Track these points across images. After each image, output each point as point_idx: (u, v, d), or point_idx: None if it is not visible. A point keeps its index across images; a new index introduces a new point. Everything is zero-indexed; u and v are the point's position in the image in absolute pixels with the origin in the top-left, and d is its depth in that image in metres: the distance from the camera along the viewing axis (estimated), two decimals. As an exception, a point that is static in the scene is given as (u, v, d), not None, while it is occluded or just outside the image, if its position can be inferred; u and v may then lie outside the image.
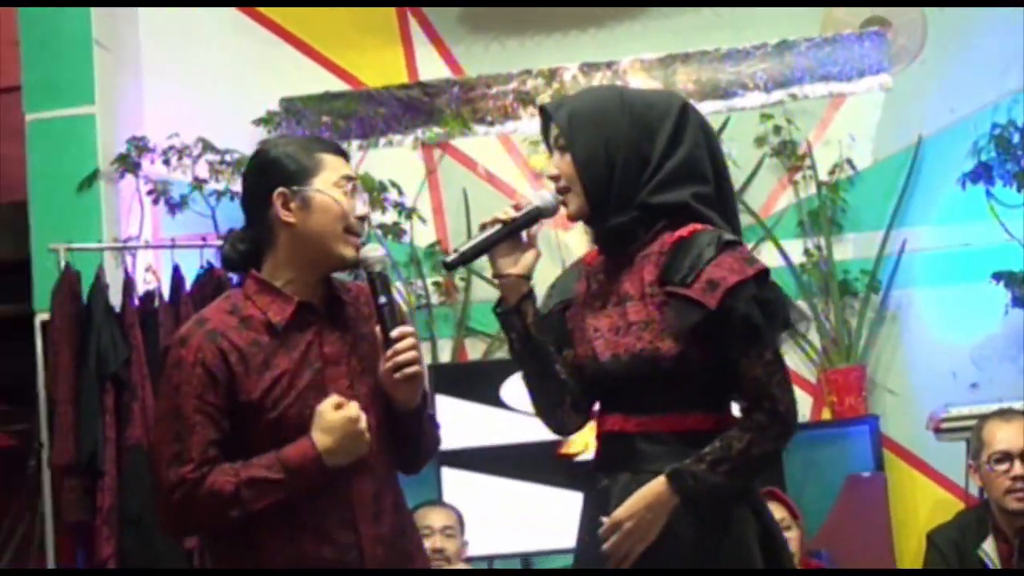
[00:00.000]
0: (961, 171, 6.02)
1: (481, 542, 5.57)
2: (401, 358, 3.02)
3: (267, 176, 3.06)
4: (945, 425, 5.62)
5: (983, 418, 4.94)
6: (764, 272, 2.99)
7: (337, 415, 2.96)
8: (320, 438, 2.94)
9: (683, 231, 3.01)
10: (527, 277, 3.14)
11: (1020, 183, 5.87)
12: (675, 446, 2.97)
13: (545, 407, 3.19)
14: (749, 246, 6.09)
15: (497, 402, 5.92)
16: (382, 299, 3.05)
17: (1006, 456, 4.73)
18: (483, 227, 3.14)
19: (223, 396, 2.98)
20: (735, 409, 3.06)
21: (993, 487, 4.75)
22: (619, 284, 3.07)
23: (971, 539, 4.79)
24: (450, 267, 3.17)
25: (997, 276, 5.88)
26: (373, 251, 3.10)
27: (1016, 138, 5.93)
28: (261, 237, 3.08)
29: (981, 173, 5.97)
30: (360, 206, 3.10)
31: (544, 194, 3.15)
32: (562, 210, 3.13)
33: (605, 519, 2.97)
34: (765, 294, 2.97)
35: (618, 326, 3.03)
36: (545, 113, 3.17)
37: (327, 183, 3.04)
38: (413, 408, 3.10)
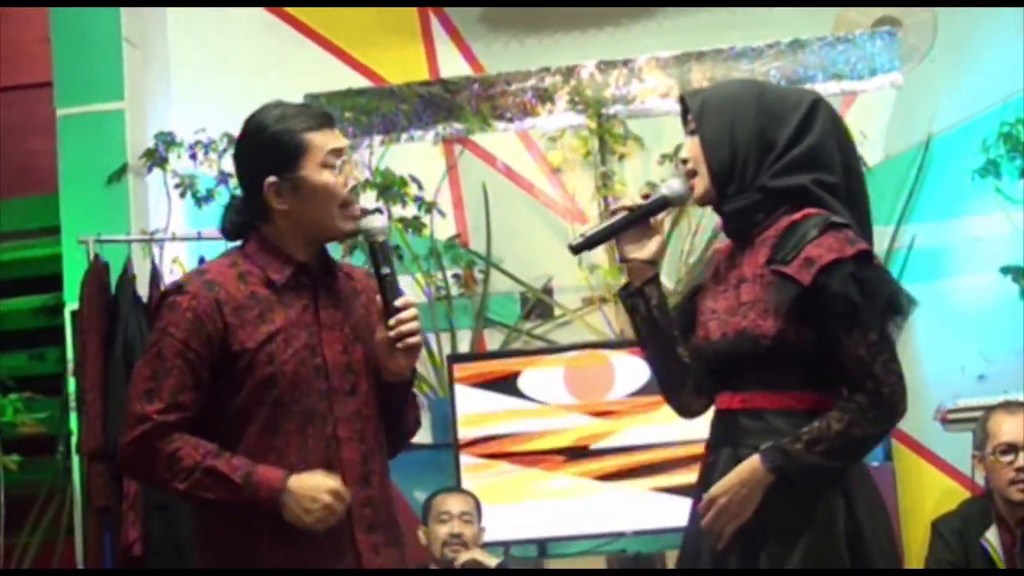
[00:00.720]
0: (970, 168, 6.10)
1: (497, 528, 5.64)
2: (405, 328, 3.04)
3: (255, 163, 3.07)
4: (952, 416, 5.66)
5: (989, 409, 4.98)
6: (864, 252, 3.01)
7: (323, 480, 2.95)
8: (292, 482, 2.94)
9: (797, 215, 3.06)
10: (653, 262, 3.19)
11: (1026, 183, 5.98)
12: (774, 423, 3.02)
13: (668, 389, 3.25)
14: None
15: (514, 391, 6.03)
16: (384, 269, 3.07)
17: (1011, 448, 4.78)
18: (612, 213, 3.21)
19: (208, 346, 2.98)
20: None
21: (997, 478, 4.79)
22: (740, 267, 3.13)
23: (974, 528, 4.83)
24: (576, 251, 3.21)
25: (1005, 270, 5.98)
26: (375, 221, 3.10)
27: (1024, 135, 6.04)
28: (257, 215, 3.10)
29: (990, 169, 6.06)
30: (352, 176, 3.08)
31: (672, 183, 3.20)
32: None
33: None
34: (864, 273, 2.98)
35: (732, 307, 3.09)
36: (684, 101, 3.22)
37: (314, 165, 3.03)
38: (403, 380, 3.12)
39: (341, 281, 3.16)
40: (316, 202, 3.04)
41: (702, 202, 3.20)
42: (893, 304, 3.03)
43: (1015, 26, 6.23)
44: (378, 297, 3.08)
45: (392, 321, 3.05)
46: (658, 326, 3.19)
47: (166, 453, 2.96)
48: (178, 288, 3.06)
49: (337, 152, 3.06)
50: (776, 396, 3.04)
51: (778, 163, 3.08)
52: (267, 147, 3.06)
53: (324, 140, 3.06)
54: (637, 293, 3.20)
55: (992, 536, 4.81)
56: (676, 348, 3.20)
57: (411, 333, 3.05)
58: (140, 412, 2.98)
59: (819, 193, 3.08)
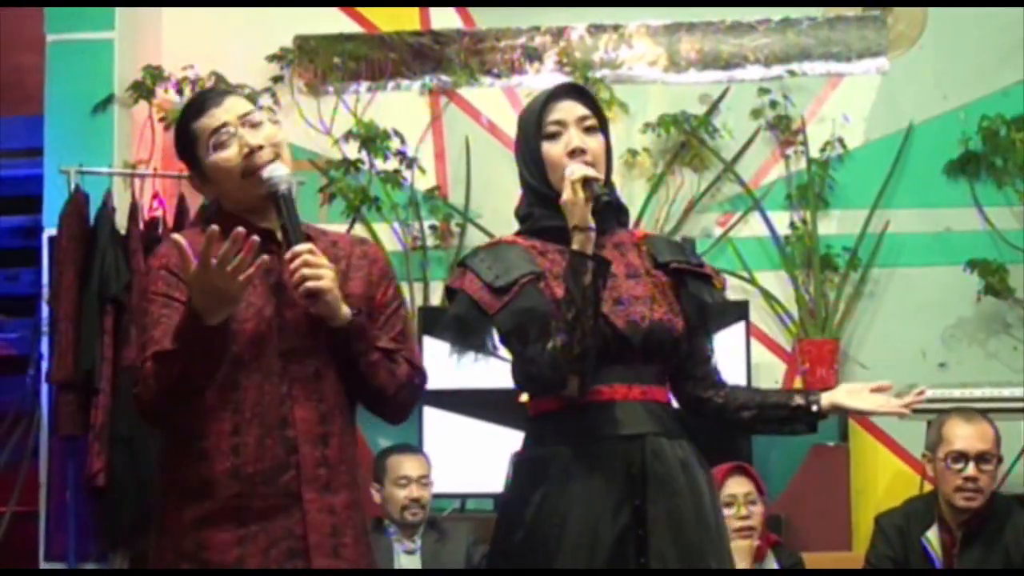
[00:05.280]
0: (948, 159, 6.18)
1: (455, 481, 5.74)
2: (295, 276, 3.02)
3: (180, 156, 3.19)
4: (909, 406, 5.73)
5: (946, 413, 5.01)
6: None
7: (192, 273, 2.89)
8: (194, 296, 2.90)
9: (638, 230, 3.43)
10: None
11: (999, 181, 6.03)
12: (661, 415, 3.17)
13: (587, 372, 3.11)
14: (737, 215, 6.32)
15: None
16: (281, 219, 3.06)
17: (962, 456, 4.83)
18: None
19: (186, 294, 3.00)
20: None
21: (945, 482, 4.86)
22: (622, 260, 3.22)
23: (916, 526, 4.90)
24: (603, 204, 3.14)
25: (971, 264, 6.05)
26: (277, 170, 3.07)
27: (1003, 132, 6.07)
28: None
29: (966, 163, 6.14)
30: (248, 139, 3.07)
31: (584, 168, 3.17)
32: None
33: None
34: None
35: (646, 296, 3.21)
36: (579, 91, 3.24)
37: (206, 150, 3.08)
38: (341, 327, 3.07)
39: (319, 245, 3.12)
40: (224, 179, 3.10)
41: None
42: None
43: (1005, 20, 6.26)
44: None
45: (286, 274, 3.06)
46: (599, 303, 3.11)
47: (143, 377, 2.99)
48: (152, 256, 3.16)
49: (217, 131, 3.09)
50: (661, 390, 3.21)
51: None
52: (177, 146, 3.19)
53: (207, 123, 3.10)
54: (607, 262, 3.11)
55: (932, 535, 4.88)
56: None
57: (303, 279, 3.02)
58: (140, 361, 3.01)
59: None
